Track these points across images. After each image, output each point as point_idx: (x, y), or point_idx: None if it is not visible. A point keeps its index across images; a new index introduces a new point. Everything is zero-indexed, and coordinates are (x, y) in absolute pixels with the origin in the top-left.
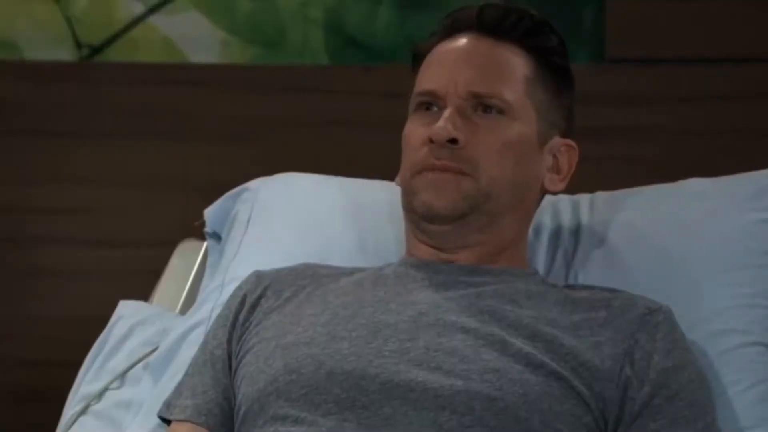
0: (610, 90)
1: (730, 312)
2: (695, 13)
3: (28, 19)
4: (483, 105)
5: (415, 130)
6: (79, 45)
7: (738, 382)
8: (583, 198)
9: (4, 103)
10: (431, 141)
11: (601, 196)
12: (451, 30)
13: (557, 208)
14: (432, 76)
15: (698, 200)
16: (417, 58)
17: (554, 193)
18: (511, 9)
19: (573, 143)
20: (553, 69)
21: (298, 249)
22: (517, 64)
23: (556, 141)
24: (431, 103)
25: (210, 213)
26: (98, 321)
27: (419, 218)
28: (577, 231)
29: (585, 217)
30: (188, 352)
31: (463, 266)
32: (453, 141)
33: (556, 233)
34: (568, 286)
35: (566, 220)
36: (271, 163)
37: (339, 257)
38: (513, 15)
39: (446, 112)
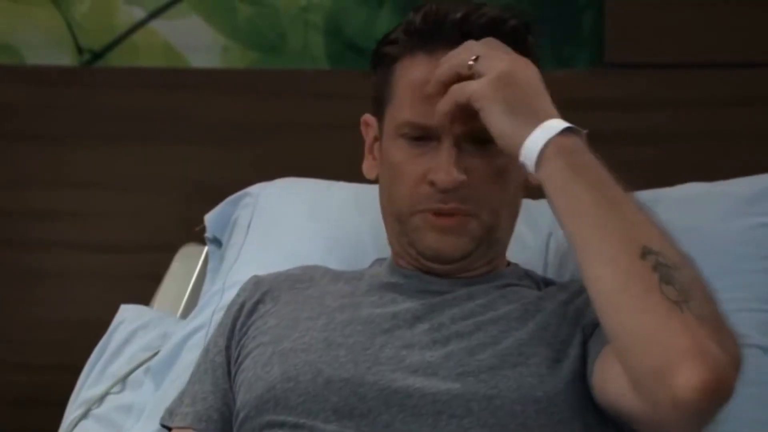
0: (609, 94)
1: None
2: (695, 17)
3: (29, 24)
4: (479, 138)
5: (410, 163)
6: (80, 50)
7: None
8: None
9: (5, 107)
10: (433, 183)
11: None
12: (431, 39)
13: None
14: (422, 108)
15: (696, 204)
16: (387, 59)
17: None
18: (494, 17)
19: None
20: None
21: (298, 253)
22: None
23: None
24: (423, 136)
25: (210, 218)
26: (99, 325)
27: (421, 257)
28: None
29: None
30: (189, 356)
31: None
32: (461, 180)
33: (555, 236)
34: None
35: None
36: (272, 167)
37: (339, 261)
38: (499, 23)
39: (446, 153)
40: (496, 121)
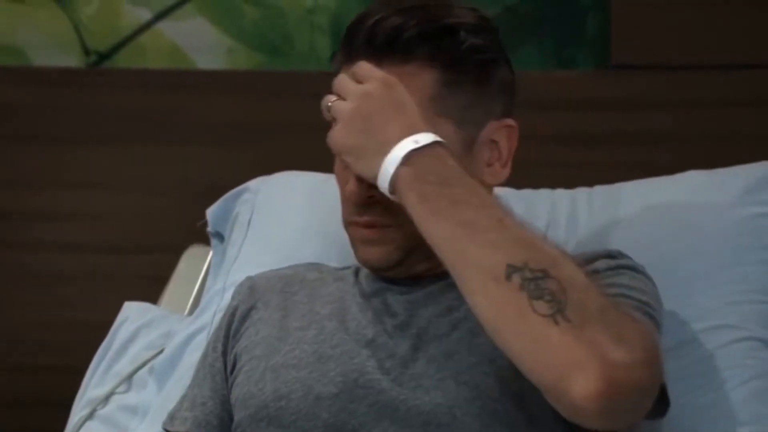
0: (615, 96)
1: (725, 308)
2: (701, 18)
3: (35, 26)
4: None
5: (339, 176)
6: (86, 51)
7: (731, 378)
8: (582, 192)
9: (12, 108)
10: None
11: (599, 189)
12: (347, 51)
13: (555, 202)
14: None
15: (695, 193)
16: (335, 70)
17: (500, 185)
18: (408, 18)
19: (511, 122)
20: (473, 63)
21: (298, 250)
22: (420, 87)
23: (491, 127)
24: None
25: (212, 213)
26: (99, 326)
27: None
28: (573, 224)
29: (583, 211)
30: (192, 356)
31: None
32: (370, 196)
33: (553, 226)
34: None
35: (563, 213)
36: (277, 168)
37: (339, 257)
38: (410, 25)
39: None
40: (355, 167)
